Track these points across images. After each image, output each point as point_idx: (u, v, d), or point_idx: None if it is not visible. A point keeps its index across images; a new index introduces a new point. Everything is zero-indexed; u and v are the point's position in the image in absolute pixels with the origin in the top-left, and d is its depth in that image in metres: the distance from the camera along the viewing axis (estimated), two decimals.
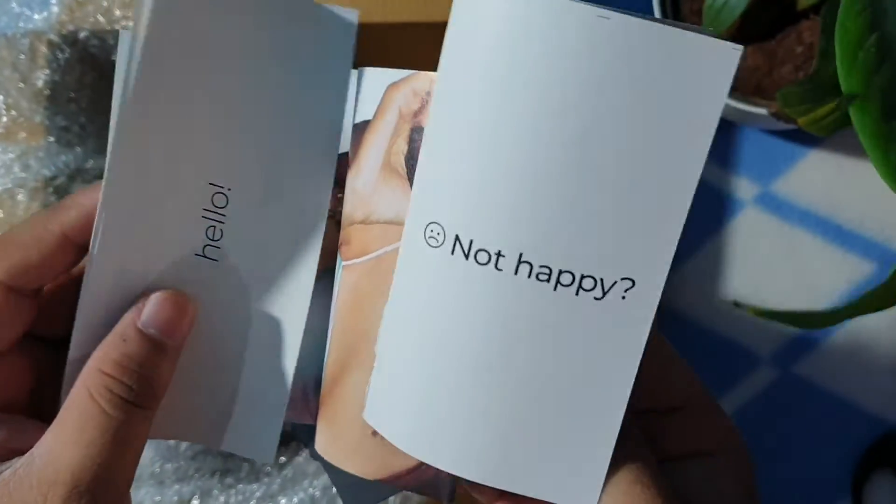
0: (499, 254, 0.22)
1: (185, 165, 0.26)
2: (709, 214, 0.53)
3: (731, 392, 0.52)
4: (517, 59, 0.21)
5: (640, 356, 0.23)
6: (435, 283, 0.23)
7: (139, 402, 0.25)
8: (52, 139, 0.46)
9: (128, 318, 0.26)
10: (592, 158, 0.21)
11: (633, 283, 0.22)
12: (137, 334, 0.26)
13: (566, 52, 0.21)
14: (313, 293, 0.27)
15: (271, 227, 0.27)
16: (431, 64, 0.24)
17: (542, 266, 0.22)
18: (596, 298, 0.22)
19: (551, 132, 0.21)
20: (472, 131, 0.22)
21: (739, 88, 0.46)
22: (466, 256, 0.22)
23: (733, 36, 0.46)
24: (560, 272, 0.22)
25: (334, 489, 0.46)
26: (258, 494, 0.46)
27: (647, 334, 0.23)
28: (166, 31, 0.25)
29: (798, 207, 0.52)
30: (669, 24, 0.21)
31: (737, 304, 0.27)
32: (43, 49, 0.46)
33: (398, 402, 0.24)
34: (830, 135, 0.40)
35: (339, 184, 0.27)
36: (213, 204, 0.26)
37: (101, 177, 0.48)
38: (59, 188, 0.46)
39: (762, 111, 0.44)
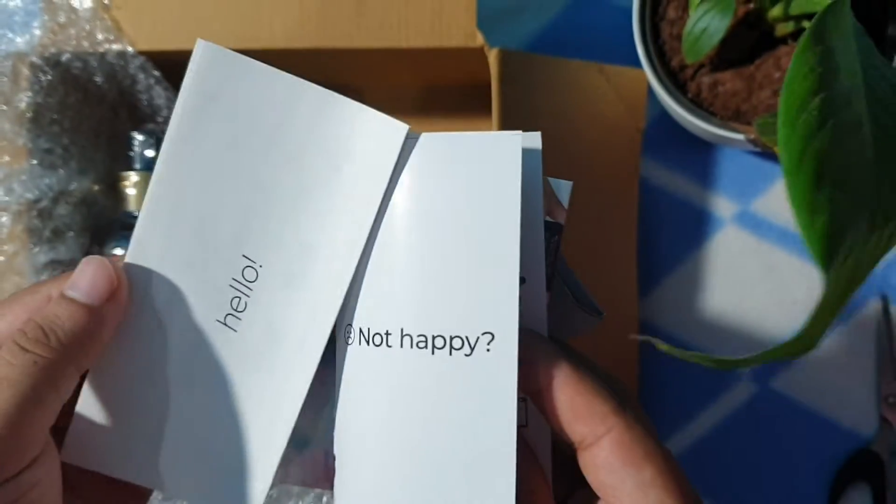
0: (387, 333, 0.27)
1: (223, 233, 0.28)
2: (688, 232, 0.54)
3: (710, 406, 0.53)
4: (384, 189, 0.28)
5: (515, 399, 0.26)
6: (355, 371, 0.28)
7: (45, 353, 0.26)
8: (35, 162, 0.46)
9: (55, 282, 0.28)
10: (432, 247, 0.27)
11: (493, 336, 0.26)
12: (59, 297, 0.28)
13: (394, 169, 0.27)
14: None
15: (291, 308, 0.28)
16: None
17: (419, 335, 0.27)
18: (466, 355, 0.26)
19: (397, 239, 0.27)
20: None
21: (718, 113, 0.46)
22: (368, 343, 0.27)
23: (712, 61, 0.46)
24: (433, 337, 0.26)
25: None
26: None
27: (514, 379, 0.26)
28: (206, 102, 0.27)
29: (776, 226, 0.53)
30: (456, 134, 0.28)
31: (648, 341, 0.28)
32: (25, 71, 0.46)
33: (354, 478, 0.28)
34: None
35: None
36: (243, 276, 0.28)
37: (84, 200, 0.49)
38: (42, 211, 0.46)
39: (740, 137, 0.44)
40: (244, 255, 0.28)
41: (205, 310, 0.28)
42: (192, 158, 0.28)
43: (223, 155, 0.28)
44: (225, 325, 0.28)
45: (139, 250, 0.28)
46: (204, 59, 0.28)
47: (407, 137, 0.27)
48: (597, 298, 0.53)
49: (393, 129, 0.27)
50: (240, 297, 0.28)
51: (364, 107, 0.28)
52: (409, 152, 0.27)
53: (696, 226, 0.53)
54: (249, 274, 0.28)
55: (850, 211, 0.25)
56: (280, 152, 0.28)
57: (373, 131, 0.28)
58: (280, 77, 0.28)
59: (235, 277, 0.28)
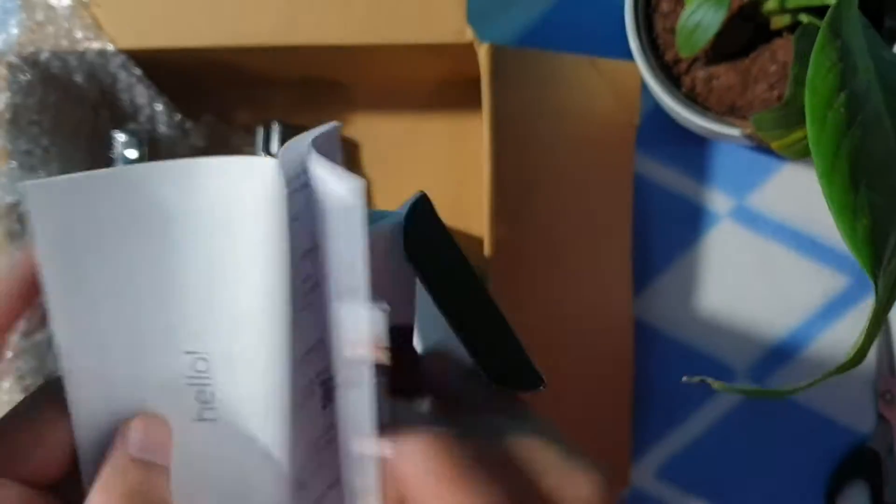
0: None
1: (154, 347, 0.26)
2: (684, 228, 0.53)
3: (707, 405, 0.52)
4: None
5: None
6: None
7: None
8: (14, 164, 0.45)
9: (118, 450, 0.26)
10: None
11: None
12: (133, 464, 0.25)
13: None
14: None
15: (249, 380, 0.26)
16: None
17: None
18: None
19: None
20: None
21: (713, 108, 0.45)
22: None
23: (706, 54, 0.45)
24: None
25: None
26: None
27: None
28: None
29: (772, 221, 0.52)
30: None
31: (703, 381, 0.27)
32: (3, 71, 0.45)
33: None
34: (803, 158, 0.40)
35: None
36: (196, 370, 0.26)
37: None
38: (22, 215, 0.45)
39: (736, 132, 0.43)
40: (186, 352, 0.26)
41: (179, 418, 0.27)
42: (80, 301, 0.25)
43: (110, 280, 0.25)
44: (204, 420, 0.27)
45: (84, 414, 0.26)
46: (36, 203, 0.24)
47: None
48: (590, 297, 0.52)
49: (253, 167, 0.24)
50: (203, 389, 0.26)
51: (206, 160, 0.25)
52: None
53: (692, 221, 0.53)
54: (201, 365, 0.26)
55: (889, 211, 0.24)
56: (160, 245, 0.25)
57: (235, 179, 0.25)
58: (113, 177, 0.25)
59: (189, 375, 0.26)
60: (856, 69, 0.26)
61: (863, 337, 0.24)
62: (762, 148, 0.52)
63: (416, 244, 0.28)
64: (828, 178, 0.25)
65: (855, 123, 0.25)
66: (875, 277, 0.23)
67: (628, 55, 0.47)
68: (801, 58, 0.38)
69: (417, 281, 0.29)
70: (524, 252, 0.46)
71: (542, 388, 0.29)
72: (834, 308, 0.51)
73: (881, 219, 0.25)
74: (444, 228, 0.30)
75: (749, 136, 0.43)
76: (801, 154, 0.40)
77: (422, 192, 0.30)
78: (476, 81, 0.43)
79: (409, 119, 0.54)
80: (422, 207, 0.29)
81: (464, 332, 0.29)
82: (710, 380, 0.25)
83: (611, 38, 0.50)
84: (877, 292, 0.23)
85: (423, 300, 0.29)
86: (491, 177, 0.42)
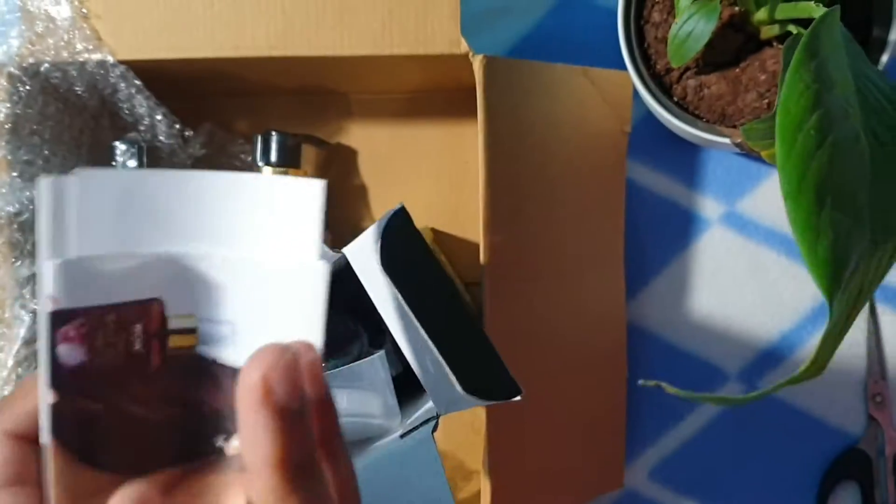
0: None
1: None
2: (675, 233, 0.54)
3: (700, 407, 0.53)
4: None
5: None
6: None
7: None
8: (15, 174, 0.46)
9: None
10: None
11: None
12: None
13: None
14: None
15: None
16: None
17: None
18: None
19: None
20: None
21: (704, 116, 0.46)
22: None
23: (697, 64, 0.46)
24: None
25: None
26: None
27: None
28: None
29: (763, 226, 0.53)
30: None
31: (658, 386, 0.27)
32: (3, 82, 0.46)
33: None
34: None
35: None
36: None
37: None
38: (23, 224, 0.46)
39: (726, 140, 0.44)
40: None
41: None
42: None
43: None
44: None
45: None
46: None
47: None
48: (584, 301, 0.53)
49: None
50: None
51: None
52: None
53: (683, 227, 0.53)
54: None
55: (853, 231, 0.25)
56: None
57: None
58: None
59: None
60: (832, 88, 0.26)
61: (818, 351, 0.24)
62: (752, 155, 0.52)
63: (392, 256, 0.29)
64: (793, 200, 0.25)
65: (824, 145, 0.25)
66: (831, 298, 0.24)
67: (620, 65, 0.47)
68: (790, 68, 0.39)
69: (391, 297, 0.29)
70: (519, 257, 0.46)
71: (518, 397, 0.30)
72: (823, 311, 0.52)
73: (843, 239, 0.25)
74: (421, 240, 0.30)
75: (739, 145, 0.44)
76: None
77: (401, 204, 0.30)
78: (470, 89, 0.44)
79: (405, 127, 0.55)
80: (399, 221, 0.30)
81: (440, 343, 0.29)
82: (664, 384, 0.25)
83: (603, 48, 0.51)
84: (831, 313, 0.24)
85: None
86: (486, 184, 0.43)
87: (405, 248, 0.29)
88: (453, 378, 0.29)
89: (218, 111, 0.55)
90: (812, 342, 0.52)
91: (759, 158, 0.53)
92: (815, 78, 0.26)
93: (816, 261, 0.24)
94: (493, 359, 0.30)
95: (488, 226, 0.43)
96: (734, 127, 0.45)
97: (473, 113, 0.44)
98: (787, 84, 0.26)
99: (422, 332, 0.29)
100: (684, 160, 0.53)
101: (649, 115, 0.52)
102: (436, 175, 0.55)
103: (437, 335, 0.29)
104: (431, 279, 0.30)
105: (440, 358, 0.29)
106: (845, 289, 0.25)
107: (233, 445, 0.26)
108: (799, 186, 0.24)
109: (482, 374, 0.30)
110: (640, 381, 0.26)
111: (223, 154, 0.55)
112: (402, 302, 0.29)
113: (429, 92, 0.54)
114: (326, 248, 0.31)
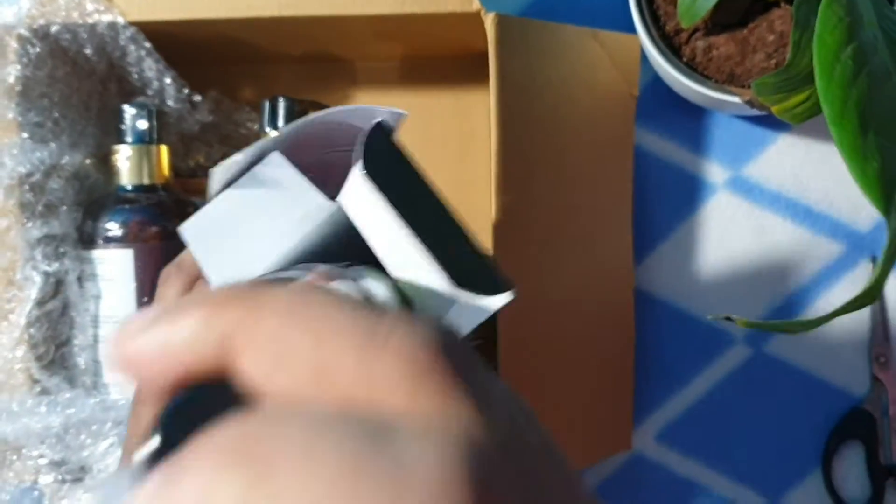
0: None
1: None
2: (682, 199, 0.54)
3: (706, 370, 0.54)
4: None
5: None
6: None
7: None
8: (25, 135, 0.46)
9: None
10: None
11: None
12: None
13: None
14: None
15: None
16: None
17: None
18: None
19: None
20: None
21: (713, 77, 0.47)
22: None
23: (706, 25, 0.46)
24: None
25: None
26: None
27: None
28: None
29: (768, 191, 0.53)
30: None
31: (728, 319, 0.27)
32: (13, 44, 0.45)
33: None
34: (802, 122, 0.41)
35: None
36: None
37: (77, 173, 0.48)
38: (34, 185, 0.46)
39: (735, 99, 0.45)
40: None
41: None
42: None
43: None
44: None
45: None
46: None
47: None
48: (592, 265, 0.53)
49: None
50: None
51: None
52: None
53: (689, 192, 0.54)
54: None
55: None
56: None
57: None
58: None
59: None
60: (862, 23, 0.27)
61: (878, 272, 0.25)
62: (758, 119, 0.53)
63: (376, 164, 0.30)
64: (838, 125, 0.26)
65: (862, 74, 0.26)
66: (887, 214, 0.25)
67: (629, 28, 0.48)
68: (801, 24, 0.39)
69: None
70: (528, 220, 0.47)
71: (511, 294, 0.29)
72: (828, 275, 0.53)
73: (890, 161, 0.26)
74: (400, 150, 0.31)
75: (749, 102, 0.44)
76: (801, 118, 0.41)
77: (379, 120, 0.31)
78: (478, 56, 0.44)
79: (413, 95, 0.55)
80: (379, 132, 0.30)
81: (426, 239, 0.29)
82: (734, 316, 0.26)
83: (612, 11, 0.51)
84: (890, 227, 0.25)
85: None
86: (497, 144, 0.43)
87: (387, 156, 0.30)
88: (445, 273, 0.29)
89: (225, 77, 0.55)
90: (817, 305, 0.53)
91: (764, 123, 0.53)
92: (848, 12, 0.27)
93: (868, 182, 0.25)
94: (480, 255, 0.31)
95: (499, 185, 0.44)
96: (742, 87, 0.46)
97: (481, 81, 0.44)
98: (821, 18, 0.26)
99: (422, 249, 0.29)
100: (690, 126, 0.54)
101: (655, 81, 0.52)
102: (442, 144, 0.55)
103: (425, 233, 0.30)
104: (414, 183, 0.30)
105: (429, 254, 0.29)
106: None
107: None
108: (842, 113, 0.25)
109: (472, 268, 0.30)
110: (710, 315, 0.27)
111: (230, 122, 0.55)
112: (389, 206, 0.30)
113: (436, 59, 0.54)
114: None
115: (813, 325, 0.26)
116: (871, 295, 0.26)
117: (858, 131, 0.25)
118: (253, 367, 0.18)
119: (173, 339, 0.19)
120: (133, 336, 0.19)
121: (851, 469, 0.53)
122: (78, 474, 0.46)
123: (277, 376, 0.18)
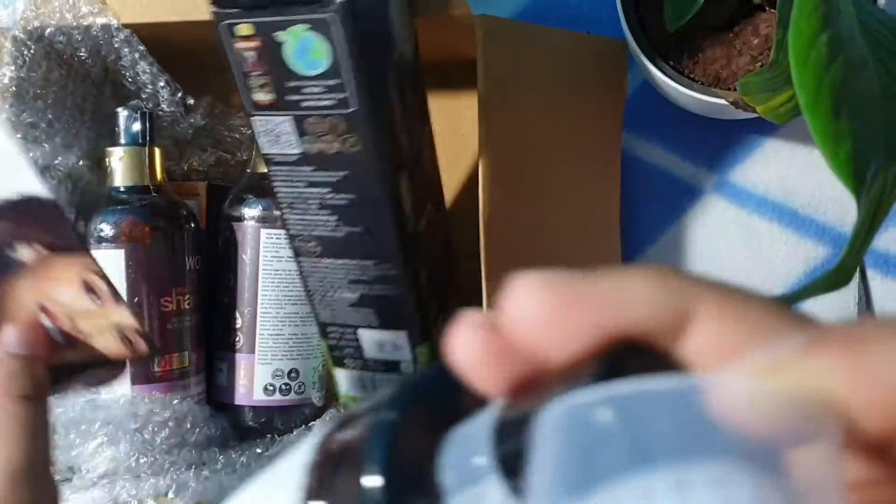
0: None
1: None
2: (669, 203, 0.54)
3: None
4: None
5: None
6: None
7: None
8: (19, 136, 0.46)
9: None
10: None
11: None
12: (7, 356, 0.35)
13: None
14: None
15: None
16: None
17: None
18: None
19: None
20: None
21: (699, 80, 0.47)
22: None
23: (692, 28, 0.47)
24: None
25: None
26: (234, 487, 0.46)
27: None
28: None
29: (755, 195, 0.54)
30: None
31: None
32: (8, 45, 0.46)
33: None
34: (787, 122, 0.42)
35: None
36: None
37: (70, 175, 0.48)
38: None
39: (721, 101, 0.45)
40: None
41: None
42: None
43: None
44: None
45: None
46: None
47: None
48: (579, 268, 0.53)
49: None
50: None
51: None
52: None
53: (677, 196, 0.54)
54: None
55: (870, 140, 0.26)
56: None
57: None
58: None
59: None
60: (838, 12, 0.28)
61: (847, 249, 0.25)
62: (745, 124, 0.54)
63: None
64: (811, 110, 0.27)
65: (837, 62, 0.27)
66: (857, 195, 0.25)
67: (617, 33, 0.48)
68: (784, 24, 0.40)
69: None
70: (516, 224, 0.47)
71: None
72: (814, 277, 0.53)
73: (862, 145, 0.26)
74: None
75: (734, 103, 0.45)
76: (785, 117, 0.42)
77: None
78: (467, 62, 0.45)
79: None
80: None
81: None
82: None
83: (600, 15, 0.52)
84: (860, 209, 0.25)
85: None
86: (484, 143, 0.44)
87: None
88: None
89: (219, 82, 0.55)
90: (803, 307, 0.53)
91: (751, 127, 0.54)
92: (823, 1, 0.27)
93: (839, 163, 0.25)
94: None
95: (488, 183, 0.44)
96: (728, 90, 0.47)
97: (470, 86, 0.45)
98: (797, 6, 0.27)
99: None
100: (678, 130, 0.54)
101: (643, 86, 0.53)
102: (439, 145, 0.56)
103: None
104: None
105: None
106: (868, 189, 0.26)
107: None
108: (816, 98, 0.26)
109: None
110: None
111: (223, 126, 0.55)
112: None
113: (427, 65, 0.55)
114: None
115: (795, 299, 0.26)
116: (843, 275, 0.26)
117: (831, 115, 0.26)
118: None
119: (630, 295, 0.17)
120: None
121: None
122: (66, 474, 0.46)
123: None
